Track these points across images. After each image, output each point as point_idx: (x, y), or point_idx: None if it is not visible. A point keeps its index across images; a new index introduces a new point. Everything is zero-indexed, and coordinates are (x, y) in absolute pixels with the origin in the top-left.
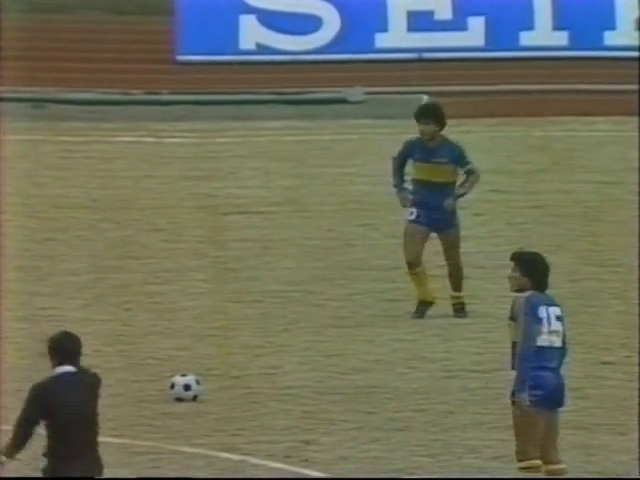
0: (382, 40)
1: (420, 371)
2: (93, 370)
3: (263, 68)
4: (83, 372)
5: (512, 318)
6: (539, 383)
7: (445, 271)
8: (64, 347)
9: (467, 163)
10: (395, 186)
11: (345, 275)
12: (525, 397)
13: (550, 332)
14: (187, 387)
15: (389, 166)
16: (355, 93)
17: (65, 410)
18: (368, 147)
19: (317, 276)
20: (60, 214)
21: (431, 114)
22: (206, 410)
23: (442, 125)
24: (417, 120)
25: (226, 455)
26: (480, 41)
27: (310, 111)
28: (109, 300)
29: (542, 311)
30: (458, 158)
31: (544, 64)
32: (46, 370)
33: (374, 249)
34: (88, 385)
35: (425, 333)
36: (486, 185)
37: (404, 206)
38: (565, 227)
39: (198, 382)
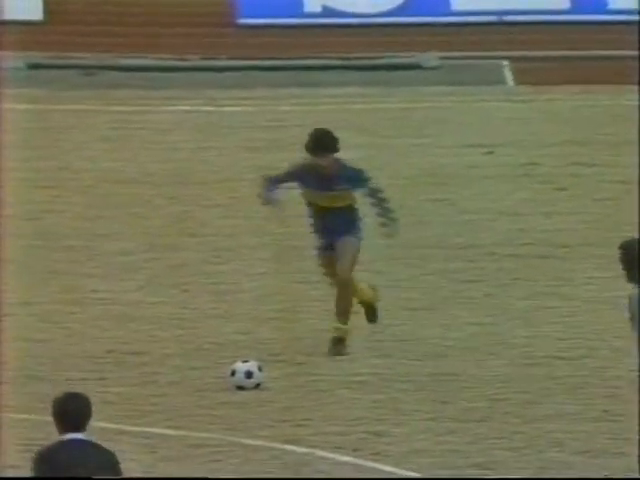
0: (459, 2)
1: (500, 358)
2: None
3: (329, 32)
4: (97, 445)
5: (631, 318)
6: None
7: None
8: (68, 412)
9: (366, 181)
10: (267, 192)
11: (417, 254)
12: None
13: None
14: (249, 374)
15: (464, 136)
16: (429, 58)
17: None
18: (443, 116)
19: (387, 255)
20: (112, 189)
21: (327, 145)
22: (269, 399)
23: (337, 150)
24: (312, 153)
25: (291, 447)
26: (565, 3)
27: (380, 77)
28: (165, 281)
29: None
30: (357, 182)
31: (633, 29)
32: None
33: (448, 226)
34: (103, 458)
35: (505, 317)
36: (570, 157)
37: (266, 203)
38: None
39: (260, 369)
